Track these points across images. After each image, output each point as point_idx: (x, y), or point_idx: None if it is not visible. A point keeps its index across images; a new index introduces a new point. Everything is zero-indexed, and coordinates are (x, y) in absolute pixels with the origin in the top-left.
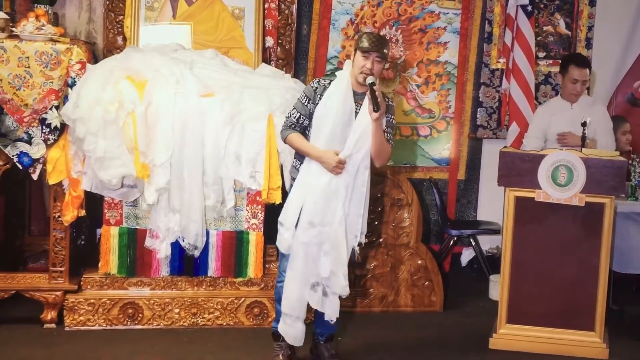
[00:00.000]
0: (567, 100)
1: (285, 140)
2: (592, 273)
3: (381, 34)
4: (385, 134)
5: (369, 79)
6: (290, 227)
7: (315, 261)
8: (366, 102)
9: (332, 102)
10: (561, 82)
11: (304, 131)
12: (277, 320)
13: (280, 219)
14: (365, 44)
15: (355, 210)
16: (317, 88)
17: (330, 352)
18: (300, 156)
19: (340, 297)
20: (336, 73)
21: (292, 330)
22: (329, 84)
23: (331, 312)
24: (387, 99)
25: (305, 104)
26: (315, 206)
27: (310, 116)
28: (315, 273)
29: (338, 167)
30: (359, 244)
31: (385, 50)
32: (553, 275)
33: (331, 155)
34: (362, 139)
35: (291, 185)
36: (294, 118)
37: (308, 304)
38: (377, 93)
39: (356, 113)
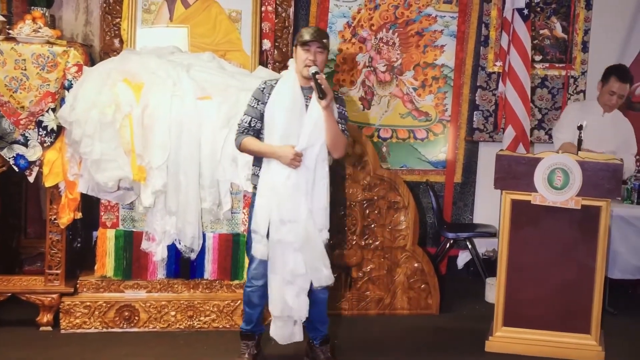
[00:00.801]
0: (602, 108)
1: (240, 147)
2: (588, 276)
3: (379, 36)
4: (340, 125)
5: (312, 69)
6: (264, 233)
7: (292, 259)
8: (314, 94)
9: (281, 99)
10: (599, 89)
11: (258, 135)
12: (244, 321)
13: (252, 227)
14: (305, 37)
15: (317, 204)
16: (264, 88)
17: (326, 355)
18: (258, 162)
19: (326, 289)
20: (281, 72)
21: (284, 331)
22: (276, 83)
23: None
24: (336, 93)
25: (255, 106)
26: (282, 203)
27: (261, 117)
28: (293, 271)
29: (295, 160)
30: (327, 240)
31: (325, 40)
32: (549, 278)
33: (287, 149)
34: (315, 131)
35: (253, 194)
36: (246, 122)
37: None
38: (320, 81)
39: (307, 107)
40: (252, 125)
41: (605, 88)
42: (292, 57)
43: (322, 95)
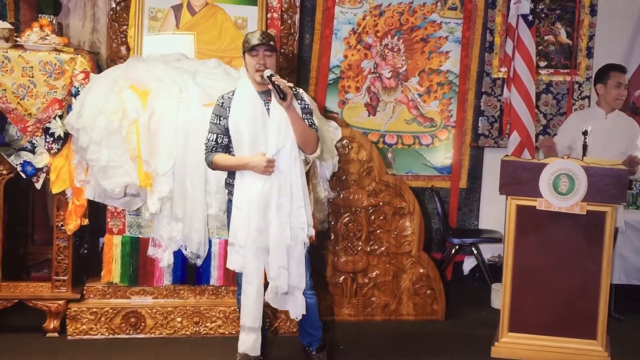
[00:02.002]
0: (611, 106)
1: (211, 166)
2: (593, 281)
3: (384, 43)
4: (306, 121)
5: (266, 72)
6: (243, 244)
7: (274, 266)
8: (274, 97)
9: (241, 109)
10: (601, 91)
11: (227, 150)
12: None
13: (230, 239)
14: (251, 42)
15: (296, 202)
16: (223, 102)
17: None
18: (232, 172)
19: (313, 294)
20: (236, 84)
21: (250, 340)
22: (233, 94)
23: (295, 311)
24: (293, 89)
25: (217, 122)
26: (258, 212)
27: (226, 132)
28: (269, 277)
29: (269, 167)
30: (309, 237)
31: (272, 43)
32: (555, 284)
33: (259, 157)
34: (282, 133)
35: (229, 200)
36: (212, 140)
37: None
38: (277, 83)
39: (268, 111)
40: (219, 142)
41: (609, 85)
42: (245, 65)
43: (282, 95)
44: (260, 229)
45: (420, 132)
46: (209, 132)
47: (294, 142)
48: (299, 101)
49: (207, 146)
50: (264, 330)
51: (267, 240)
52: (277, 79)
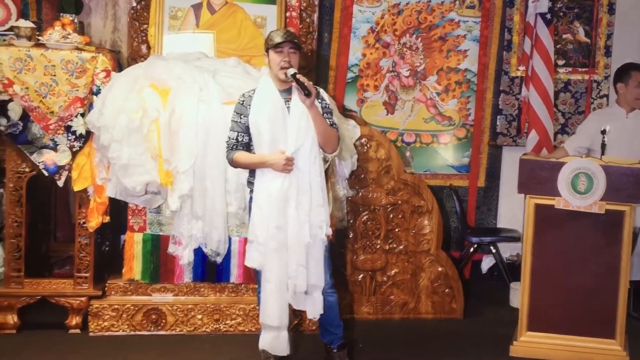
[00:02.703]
0: (631, 106)
1: (232, 163)
2: (612, 280)
3: (402, 41)
4: (327, 120)
5: (290, 71)
6: (262, 242)
7: (286, 264)
8: (295, 96)
9: (262, 107)
10: (622, 90)
11: (248, 148)
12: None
13: (249, 237)
14: (276, 39)
15: (315, 200)
16: (244, 101)
17: None
18: (252, 171)
19: (334, 291)
20: (256, 82)
21: (277, 341)
22: (254, 93)
23: (313, 310)
24: (315, 87)
25: (238, 120)
26: (278, 210)
27: (247, 130)
28: (288, 275)
29: (288, 165)
30: (327, 235)
31: (296, 40)
32: (573, 283)
33: (278, 155)
34: (302, 131)
35: (250, 198)
36: (233, 139)
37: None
38: (301, 80)
39: (288, 109)
40: (240, 140)
41: (630, 85)
42: (267, 63)
43: (307, 92)
44: (279, 226)
45: (439, 131)
46: (230, 130)
47: (314, 141)
48: (320, 100)
49: (228, 144)
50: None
51: (287, 238)
52: (301, 76)
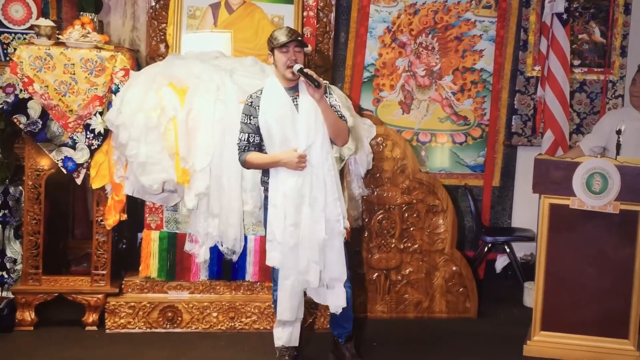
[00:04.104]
0: (636, 107)
1: (245, 165)
2: (626, 281)
3: (418, 41)
4: (336, 113)
5: (296, 67)
6: (280, 240)
7: (304, 260)
8: (302, 93)
9: (270, 107)
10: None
11: (260, 149)
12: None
13: (268, 236)
14: (280, 39)
15: (331, 195)
16: (252, 102)
17: (351, 352)
18: (266, 170)
19: (349, 286)
20: (265, 81)
21: (287, 333)
22: (261, 93)
23: (336, 304)
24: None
25: (248, 122)
26: (293, 208)
27: (257, 131)
28: (305, 271)
29: (301, 162)
30: (345, 228)
31: (300, 38)
32: (587, 283)
33: (290, 153)
34: (312, 127)
35: (265, 197)
36: (244, 140)
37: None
38: (310, 73)
39: (296, 106)
40: (251, 140)
41: (632, 84)
42: (272, 62)
43: (317, 83)
44: (296, 223)
45: (454, 130)
46: (240, 132)
47: (325, 137)
48: (327, 95)
49: (239, 146)
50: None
51: (303, 234)
52: (308, 70)
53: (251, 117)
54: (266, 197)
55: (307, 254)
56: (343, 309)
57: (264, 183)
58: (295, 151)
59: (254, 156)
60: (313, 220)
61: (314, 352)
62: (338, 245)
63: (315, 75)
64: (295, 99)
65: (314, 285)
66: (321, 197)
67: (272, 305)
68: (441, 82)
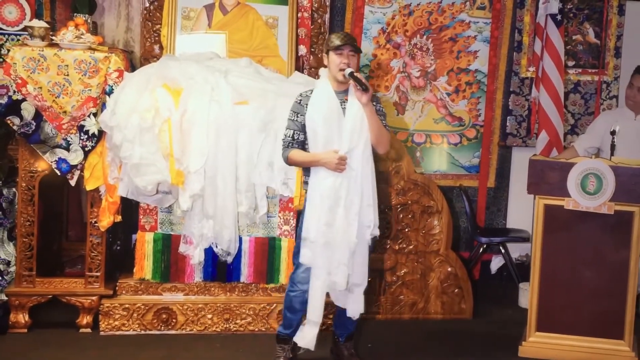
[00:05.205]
0: (631, 109)
1: (287, 161)
2: (621, 281)
3: (413, 42)
4: (381, 121)
5: (347, 71)
6: (314, 239)
7: (334, 261)
8: (351, 97)
9: (318, 107)
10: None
11: (303, 146)
12: (283, 325)
13: (303, 234)
14: (336, 42)
15: (366, 201)
16: (301, 100)
17: (349, 352)
18: (307, 170)
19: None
20: (315, 82)
21: (313, 333)
22: (311, 92)
23: (354, 309)
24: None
25: (295, 119)
26: (329, 208)
27: (303, 129)
28: (334, 273)
29: (340, 164)
30: (373, 237)
31: (355, 44)
32: (582, 284)
33: (331, 154)
34: (356, 132)
35: (305, 199)
36: (289, 136)
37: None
38: (359, 77)
39: (344, 110)
40: (296, 137)
41: (628, 87)
42: (326, 64)
43: (365, 87)
44: (329, 224)
45: (449, 131)
46: (287, 128)
47: (368, 142)
48: (374, 103)
49: (284, 142)
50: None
51: (335, 234)
52: (358, 74)
53: (299, 115)
54: (306, 200)
55: (338, 256)
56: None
57: (305, 184)
58: (336, 152)
59: (296, 153)
60: (347, 223)
61: (313, 351)
62: (364, 251)
63: (364, 80)
64: (344, 102)
65: (340, 287)
66: (357, 200)
67: (284, 307)
68: (436, 83)
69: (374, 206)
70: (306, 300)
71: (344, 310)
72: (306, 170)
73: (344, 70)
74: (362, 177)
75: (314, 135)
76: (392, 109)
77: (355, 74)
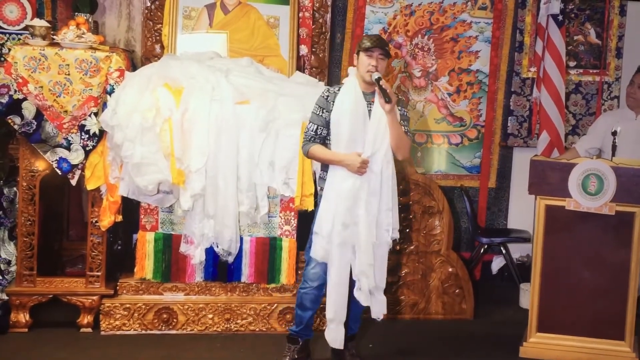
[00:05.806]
0: (631, 108)
1: (307, 154)
2: (622, 282)
3: (414, 42)
4: (403, 127)
5: (375, 75)
6: (326, 235)
7: (351, 262)
8: (377, 99)
9: (344, 106)
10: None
11: (324, 142)
12: (295, 323)
13: (315, 229)
14: (367, 43)
15: (385, 204)
16: (328, 96)
17: (351, 352)
18: (325, 166)
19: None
20: (343, 80)
21: (337, 334)
22: (339, 90)
23: (377, 310)
24: (396, 94)
25: (320, 114)
26: (346, 209)
27: (327, 125)
28: (355, 273)
29: (362, 167)
30: (393, 239)
31: (387, 48)
32: (583, 284)
33: (354, 157)
34: (380, 136)
35: (320, 196)
36: (312, 131)
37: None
38: (384, 87)
39: (369, 112)
40: (319, 133)
41: (629, 85)
42: (354, 64)
43: (388, 99)
44: (346, 224)
45: (450, 132)
46: (310, 122)
47: (389, 147)
48: (399, 107)
49: (306, 135)
50: (311, 330)
51: (353, 237)
52: (384, 82)
53: (324, 110)
54: (320, 196)
55: (364, 258)
56: (356, 310)
57: (321, 180)
58: (360, 155)
59: (318, 149)
60: (368, 225)
61: (313, 351)
62: (383, 254)
63: (389, 90)
64: (370, 104)
65: (366, 287)
66: (375, 203)
67: (297, 305)
68: (437, 83)
69: (394, 210)
70: (317, 299)
71: (348, 312)
72: (324, 165)
73: (372, 72)
74: (382, 180)
75: (338, 132)
76: None
77: (381, 82)
